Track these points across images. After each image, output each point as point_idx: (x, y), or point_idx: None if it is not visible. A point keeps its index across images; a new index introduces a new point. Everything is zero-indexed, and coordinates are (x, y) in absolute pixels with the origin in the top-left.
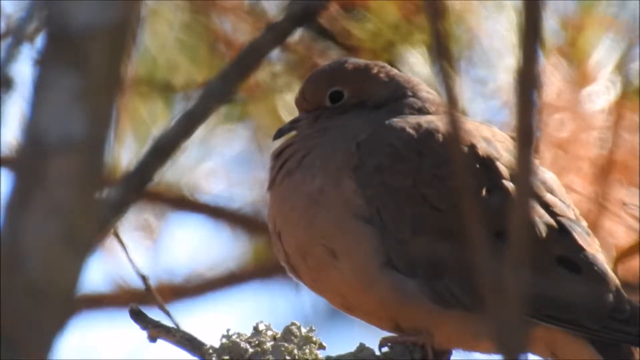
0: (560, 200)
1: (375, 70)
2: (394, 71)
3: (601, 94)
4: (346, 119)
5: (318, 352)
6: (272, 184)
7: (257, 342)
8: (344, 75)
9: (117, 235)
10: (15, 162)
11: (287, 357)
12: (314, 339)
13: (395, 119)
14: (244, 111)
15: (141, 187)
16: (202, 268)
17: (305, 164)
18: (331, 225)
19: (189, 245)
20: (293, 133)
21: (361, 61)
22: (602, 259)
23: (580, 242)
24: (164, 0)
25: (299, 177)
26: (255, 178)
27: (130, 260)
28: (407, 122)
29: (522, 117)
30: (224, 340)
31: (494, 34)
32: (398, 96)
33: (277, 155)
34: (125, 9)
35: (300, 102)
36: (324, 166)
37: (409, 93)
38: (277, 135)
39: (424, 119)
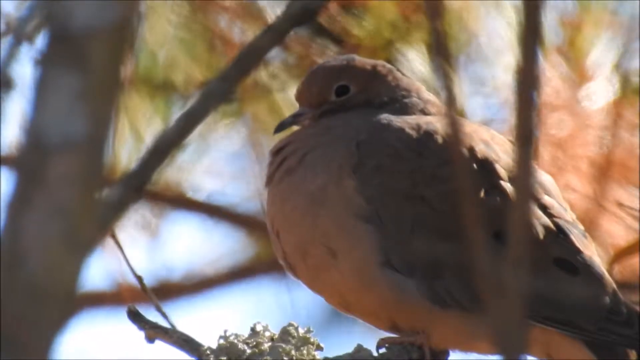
0: (557, 202)
1: (382, 70)
2: (399, 73)
3: (600, 92)
4: (348, 117)
5: (316, 352)
6: (271, 181)
7: (254, 343)
8: (351, 72)
9: (114, 236)
10: (15, 162)
11: (285, 358)
12: (312, 339)
13: (395, 119)
14: (241, 109)
15: (141, 187)
16: (200, 265)
17: (307, 163)
18: (332, 225)
19: (188, 242)
20: (294, 127)
21: (368, 60)
22: (599, 262)
23: (578, 244)
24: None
25: (300, 175)
26: (253, 175)
27: (127, 262)
28: (407, 122)
29: (522, 116)
30: (222, 341)
31: (493, 33)
32: (402, 96)
33: (277, 151)
34: (126, 8)
35: (303, 95)
36: (326, 165)
37: (413, 94)
38: (279, 129)
39: (423, 120)
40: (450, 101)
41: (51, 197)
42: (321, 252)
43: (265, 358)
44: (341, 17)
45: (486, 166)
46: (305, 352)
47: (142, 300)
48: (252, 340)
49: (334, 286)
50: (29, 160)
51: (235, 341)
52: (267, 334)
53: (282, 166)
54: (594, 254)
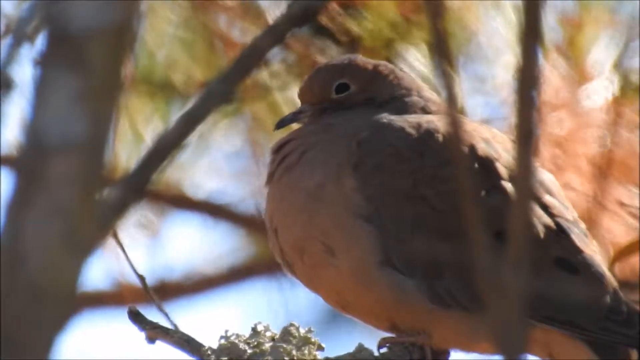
0: (558, 201)
1: (383, 70)
2: (401, 72)
3: (600, 91)
4: (349, 116)
5: (317, 352)
6: (271, 178)
7: (255, 343)
8: (352, 70)
9: (116, 237)
10: (15, 162)
11: (286, 358)
12: (313, 339)
13: (396, 118)
14: (241, 109)
15: (141, 187)
16: (201, 265)
17: (306, 160)
18: (330, 223)
19: (188, 242)
20: (295, 125)
21: (370, 59)
22: (600, 260)
23: (578, 243)
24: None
25: (299, 173)
26: (253, 175)
27: (129, 262)
28: (408, 121)
29: (522, 115)
30: (223, 341)
31: (493, 32)
32: (403, 95)
33: (277, 149)
34: (126, 9)
35: (305, 93)
36: (325, 163)
37: (414, 93)
38: (279, 125)
39: (424, 119)
40: (451, 100)
41: (51, 197)
42: (319, 250)
43: (266, 358)
44: (341, 17)
45: (487, 165)
46: (306, 352)
47: (142, 300)
48: (253, 340)
49: (332, 285)
50: (29, 161)
51: (236, 341)
52: (268, 334)
53: (282, 164)
54: (595, 253)
